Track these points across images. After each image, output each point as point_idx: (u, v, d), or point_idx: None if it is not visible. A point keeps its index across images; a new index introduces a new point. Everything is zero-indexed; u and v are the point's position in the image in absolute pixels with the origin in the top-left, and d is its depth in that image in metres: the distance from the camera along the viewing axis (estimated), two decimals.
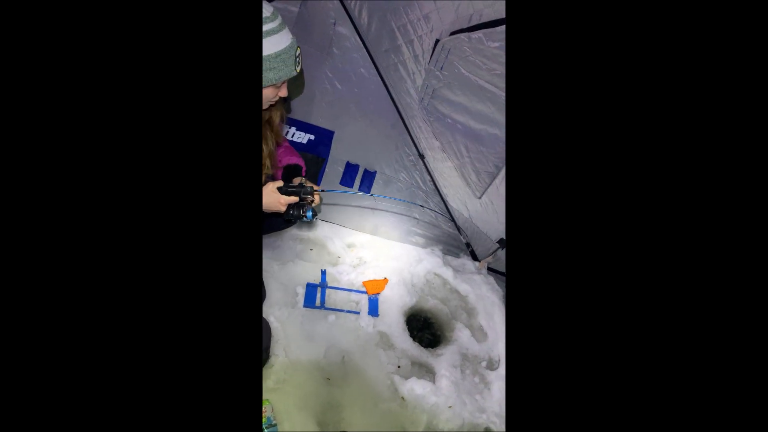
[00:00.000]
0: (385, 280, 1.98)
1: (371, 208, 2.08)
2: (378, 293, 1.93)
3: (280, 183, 1.20)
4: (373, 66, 1.67)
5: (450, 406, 1.63)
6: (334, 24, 1.58)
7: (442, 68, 1.58)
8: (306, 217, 1.21)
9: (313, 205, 1.24)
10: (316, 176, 1.98)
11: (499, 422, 1.66)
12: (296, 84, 1.74)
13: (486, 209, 1.97)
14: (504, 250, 2.07)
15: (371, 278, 1.97)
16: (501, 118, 1.61)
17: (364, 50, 1.63)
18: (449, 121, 1.72)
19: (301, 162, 1.42)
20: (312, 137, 1.88)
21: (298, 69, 1.12)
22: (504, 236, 2.02)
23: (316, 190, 1.22)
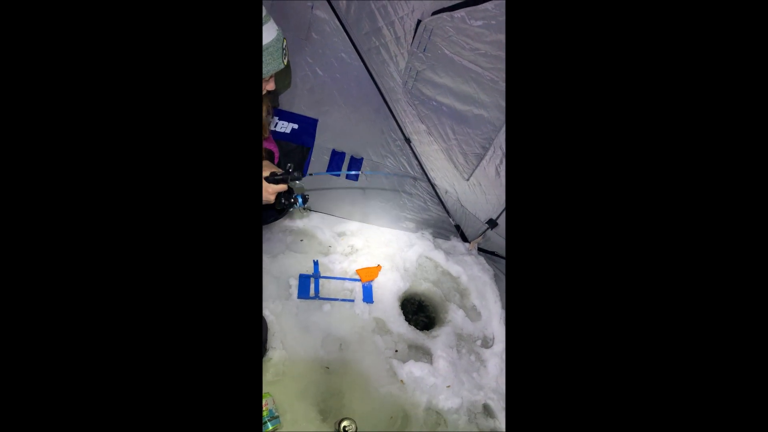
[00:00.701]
0: (379, 267, 1.98)
1: (361, 188, 2.06)
2: (372, 280, 1.93)
3: (266, 173, 1.16)
4: (354, 50, 1.63)
5: (448, 386, 1.66)
6: (312, 8, 1.53)
7: (425, 50, 1.55)
8: (297, 203, 1.18)
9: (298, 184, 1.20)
10: (301, 166, 1.95)
11: (496, 398, 1.71)
12: (283, 76, 1.68)
13: (474, 191, 1.98)
14: (493, 229, 2.09)
15: (364, 266, 1.98)
16: (486, 98, 1.60)
17: (344, 34, 1.59)
18: (434, 103, 1.70)
19: (273, 148, 1.38)
20: (295, 126, 1.84)
21: (286, 61, 1.08)
22: (492, 216, 2.04)
23: (303, 175, 1.18)
